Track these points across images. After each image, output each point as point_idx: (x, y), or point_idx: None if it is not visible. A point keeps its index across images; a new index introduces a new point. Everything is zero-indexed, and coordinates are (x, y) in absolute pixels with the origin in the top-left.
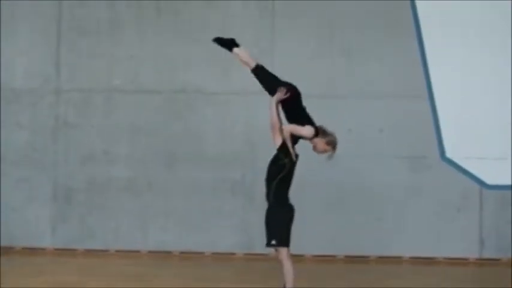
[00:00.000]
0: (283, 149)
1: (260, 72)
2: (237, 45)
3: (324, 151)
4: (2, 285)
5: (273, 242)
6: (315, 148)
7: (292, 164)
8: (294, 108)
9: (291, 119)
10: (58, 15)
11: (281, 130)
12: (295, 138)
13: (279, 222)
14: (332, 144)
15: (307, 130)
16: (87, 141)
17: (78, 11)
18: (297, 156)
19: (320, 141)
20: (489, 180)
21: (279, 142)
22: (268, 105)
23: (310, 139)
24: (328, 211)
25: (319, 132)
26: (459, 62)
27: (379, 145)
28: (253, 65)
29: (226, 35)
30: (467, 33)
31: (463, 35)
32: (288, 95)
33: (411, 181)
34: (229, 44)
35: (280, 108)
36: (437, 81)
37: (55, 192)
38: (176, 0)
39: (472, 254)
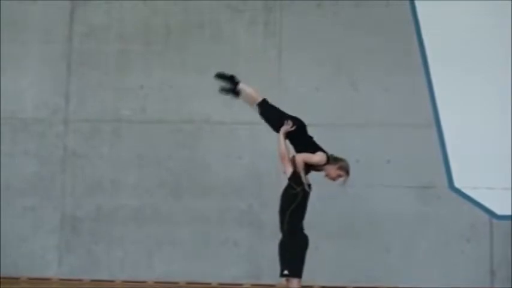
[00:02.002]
0: (294, 178)
1: (265, 106)
2: (237, 82)
3: (338, 177)
4: None
5: (285, 272)
6: (328, 175)
7: (305, 194)
8: (301, 139)
9: (300, 149)
10: (68, 48)
11: (293, 161)
12: (307, 168)
13: (292, 252)
14: (344, 169)
15: (318, 157)
16: (94, 170)
17: (87, 43)
18: (309, 185)
19: (332, 168)
20: (498, 211)
21: (289, 172)
22: (276, 138)
23: (322, 166)
24: (336, 241)
25: (329, 158)
26: (466, 92)
27: (386, 175)
28: (259, 99)
29: (233, 68)
30: (475, 63)
31: (471, 64)
32: (294, 127)
33: (420, 211)
34: (231, 80)
35: (287, 140)
36: (444, 110)
37: (62, 221)
38: (184, 34)
39: (483, 284)
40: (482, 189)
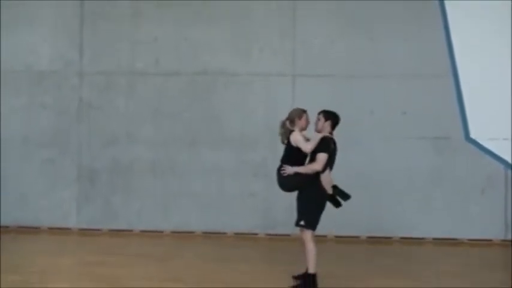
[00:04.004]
0: (321, 144)
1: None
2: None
3: (305, 121)
4: (28, 263)
5: (302, 222)
6: (317, 127)
7: (335, 149)
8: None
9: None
10: (80, 1)
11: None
12: (333, 127)
13: (312, 205)
14: (297, 114)
15: (303, 141)
16: (110, 123)
17: None
18: (334, 142)
19: (298, 124)
20: None
21: (312, 144)
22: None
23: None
24: (351, 192)
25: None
26: (484, 41)
27: (402, 127)
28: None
29: (247, 19)
30: (494, 12)
31: (489, 13)
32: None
33: (435, 162)
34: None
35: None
36: (461, 60)
37: (79, 173)
38: None
39: (497, 235)
40: (499, 140)
